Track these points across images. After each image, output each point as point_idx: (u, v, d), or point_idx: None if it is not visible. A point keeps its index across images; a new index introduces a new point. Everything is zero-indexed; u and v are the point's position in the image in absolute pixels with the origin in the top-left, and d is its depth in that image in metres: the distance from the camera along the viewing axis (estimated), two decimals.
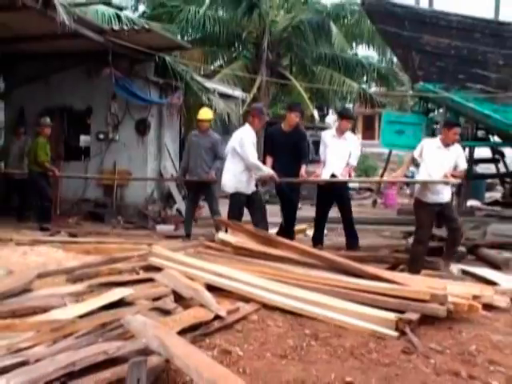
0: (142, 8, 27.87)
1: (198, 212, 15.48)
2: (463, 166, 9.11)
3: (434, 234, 10.65)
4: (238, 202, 9.78)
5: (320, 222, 10.62)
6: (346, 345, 5.53)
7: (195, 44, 23.93)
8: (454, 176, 8.88)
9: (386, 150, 20.38)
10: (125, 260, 8.02)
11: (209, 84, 19.23)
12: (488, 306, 7.03)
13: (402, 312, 6.12)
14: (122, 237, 11.51)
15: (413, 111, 19.69)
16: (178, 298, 6.32)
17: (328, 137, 10.30)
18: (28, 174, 13.23)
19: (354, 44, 28.25)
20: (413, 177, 9.84)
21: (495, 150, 19.22)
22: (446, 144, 8.88)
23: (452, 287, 7.00)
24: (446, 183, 8.96)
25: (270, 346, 5.47)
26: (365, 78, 28.05)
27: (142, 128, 15.34)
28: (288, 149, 10.13)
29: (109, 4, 14.20)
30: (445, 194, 9.02)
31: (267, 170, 9.71)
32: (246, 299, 6.59)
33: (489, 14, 14.68)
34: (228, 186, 9.83)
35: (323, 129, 33.23)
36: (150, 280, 6.97)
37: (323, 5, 27.09)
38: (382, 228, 13.19)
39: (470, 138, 16.90)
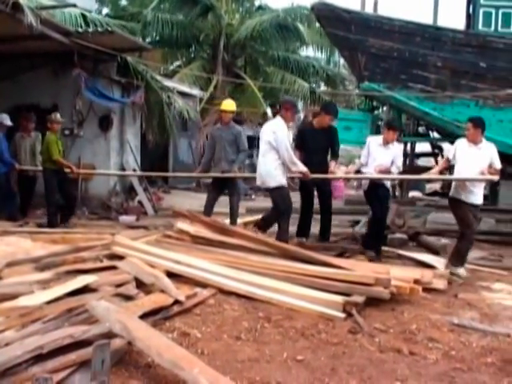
0: (105, 11, 27.66)
1: (157, 202, 15.43)
2: (498, 163, 8.42)
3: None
4: (285, 193, 8.85)
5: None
6: (297, 326, 5.58)
7: (156, 45, 23.88)
8: (490, 173, 8.38)
9: None
10: (89, 249, 7.91)
11: (168, 83, 19.18)
12: (427, 289, 7.14)
13: (348, 295, 6.19)
14: (86, 227, 11.40)
15: (359, 109, 19.88)
16: (140, 285, 6.31)
17: (373, 144, 9.42)
18: (42, 171, 11.98)
19: (304, 46, 28.43)
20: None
21: (434, 144, 19.49)
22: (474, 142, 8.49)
23: (395, 271, 7.09)
24: (491, 180, 8.65)
25: (227, 328, 5.49)
26: (314, 79, 28.17)
27: (105, 124, 15.19)
28: (319, 146, 9.57)
29: (74, 6, 14.00)
30: (478, 196, 8.49)
31: (301, 166, 8.93)
32: (204, 285, 6.59)
33: (428, 20, 14.87)
34: (268, 181, 8.83)
35: None
36: (113, 268, 6.90)
37: (276, 9, 27.18)
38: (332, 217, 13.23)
39: (411, 133, 17.11)
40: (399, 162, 9.49)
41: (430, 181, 23.40)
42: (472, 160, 8.29)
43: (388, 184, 9.62)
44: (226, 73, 24.76)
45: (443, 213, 11.28)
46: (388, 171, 9.24)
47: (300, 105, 36.25)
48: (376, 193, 9.25)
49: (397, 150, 9.50)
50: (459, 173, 8.46)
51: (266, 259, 7.29)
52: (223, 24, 24.73)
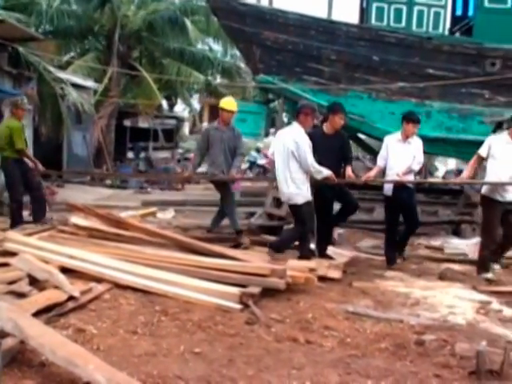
0: None
1: (51, 197, 15.02)
2: None
3: (272, 213, 10.90)
4: (312, 209, 8.11)
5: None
6: (194, 319, 5.58)
7: (49, 36, 23.27)
8: None
9: None
10: None
11: (62, 75, 18.78)
12: (323, 278, 7.28)
13: (245, 286, 6.24)
14: None
15: (255, 101, 19.99)
16: (33, 281, 6.17)
17: (392, 141, 8.77)
18: (1, 162, 10.59)
19: (201, 38, 28.36)
20: None
21: None
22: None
23: (290, 262, 7.19)
24: None
25: (123, 323, 5.43)
26: (210, 71, 28.17)
27: None
28: (331, 153, 8.56)
29: None
30: None
31: (326, 171, 8.07)
32: (99, 279, 6.50)
33: (323, 14, 15.09)
34: (297, 197, 8.00)
35: (172, 118, 33.26)
36: (6, 265, 6.72)
37: (173, 1, 27.00)
38: None
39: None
40: (421, 157, 8.86)
41: None
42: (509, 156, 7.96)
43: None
44: (121, 64, 24.42)
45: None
46: (411, 170, 8.69)
47: (196, 97, 36.22)
48: (400, 197, 8.59)
49: (418, 144, 8.80)
50: (495, 171, 8.04)
51: (162, 252, 7.28)
52: (119, 15, 24.34)
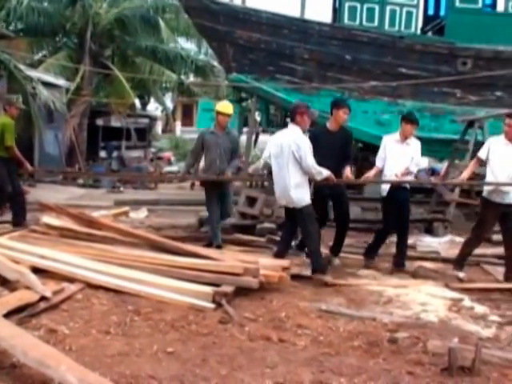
0: None
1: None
2: None
3: (245, 212, 10.89)
4: (312, 211, 7.77)
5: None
6: (167, 318, 5.57)
7: (20, 34, 23.03)
8: None
9: None
10: None
11: (33, 73, 18.60)
12: (296, 277, 7.30)
13: (218, 285, 6.23)
14: None
15: (228, 100, 19.93)
16: (4, 282, 6.14)
17: (390, 142, 8.60)
18: None
19: (173, 37, 28.24)
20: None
21: None
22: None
23: (263, 261, 7.20)
24: None
25: (95, 323, 5.41)
26: (183, 70, 28.07)
27: None
28: (335, 150, 8.36)
29: None
30: None
31: (325, 171, 7.76)
32: (71, 279, 6.46)
33: (296, 13, 15.12)
34: (295, 200, 7.70)
35: (144, 117, 33.10)
36: None
37: None
38: (199, 208, 13.25)
39: (279, 124, 17.37)
40: (419, 158, 8.74)
41: None
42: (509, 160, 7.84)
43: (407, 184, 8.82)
44: (93, 63, 24.22)
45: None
46: (409, 172, 8.52)
47: (169, 96, 36.05)
48: (396, 198, 8.43)
49: (416, 145, 8.65)
50: (492, 173, 8.00)
51: (134, 251, 7.25)
52: (90, 13, 24.16)
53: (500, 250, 9.03)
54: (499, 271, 8.35)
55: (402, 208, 8.57)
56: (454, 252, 8.77)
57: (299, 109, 7.92)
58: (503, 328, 5.98)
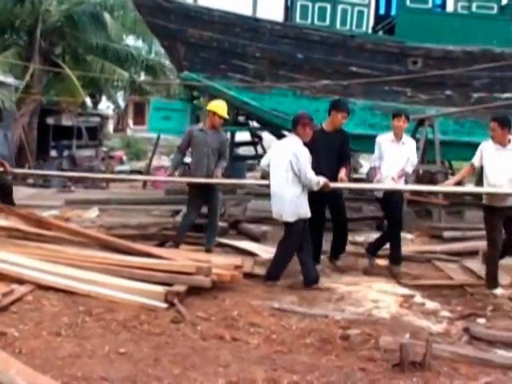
0: None
1: None
2: None
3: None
4: (300, 230, 7.50)
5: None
6: (119, 318, 5.53)
7: None
8: None
9: (154, 135, 20.41)
10: None
11: None
12: (249, 275, 7.31)
13: (170, 285, 6.22)
14: None
15: (179, 98, 19.90)
16: None
17: (385, 142, 8.47)
18: None
19: (124, 35, 28.07)
20: None
21: (254, 133, 19.91)
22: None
23: (216, 259, 7.20)
24: None
25: (46, 324, 5.34)
26: (134, 69, 27.92)
27: None
28: (333, 151, 8.22)
29: None
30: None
31: (322, 179, 7.49)
32: (21, 281, 6.34)
33: (248, 12, 15.12)
34: (287, 213, 7.43)
35: (96, 115, 32.79)
36: None
37: None
38: (151, 208, 13.20)
39: (231, 122, 17.35)
40: (414, 158, 8.64)
41: (249, 170, 23.87)
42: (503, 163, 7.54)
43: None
44: (43, 61, 23.98)
45: (263, 200, 11.50)
46: (405, 173, 8.44)
47: (120, 95, 35.77)
48: (391, 198, 8.38)
49: (411, 145, 8.61)
50: (487, 178, 7.71)
51: (84, 251, 7.17)
52: (40, 10, 23.83)
53: (450, 247, 9.21)
54: (450, 267, 8.49)
55: (396, 208, 8.50)
56: (404, 249, 8.81)
57: (302, 120, 7.68)
58: (454, 323, 6.09)
